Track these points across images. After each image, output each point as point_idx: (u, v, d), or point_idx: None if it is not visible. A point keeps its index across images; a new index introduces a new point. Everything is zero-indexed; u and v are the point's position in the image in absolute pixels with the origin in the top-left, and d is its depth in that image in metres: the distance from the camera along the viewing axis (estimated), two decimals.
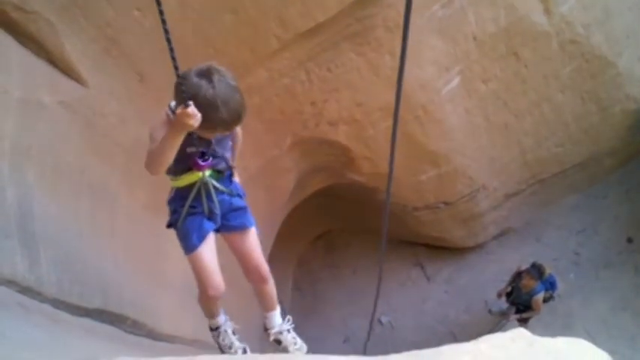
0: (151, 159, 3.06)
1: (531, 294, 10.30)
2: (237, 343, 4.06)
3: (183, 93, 2.69)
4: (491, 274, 13.72)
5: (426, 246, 14.79)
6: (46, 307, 4.41)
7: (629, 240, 12.61)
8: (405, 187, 10.80)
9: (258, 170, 8.45)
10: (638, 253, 12.32)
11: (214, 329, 4.03)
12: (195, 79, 2.78)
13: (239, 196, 3.67)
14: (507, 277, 12.13)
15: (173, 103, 3.03)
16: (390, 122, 8.68)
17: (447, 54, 8.58)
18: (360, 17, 7.40)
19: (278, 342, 4.05)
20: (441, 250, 14.45)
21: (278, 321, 4.04)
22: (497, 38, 8.84)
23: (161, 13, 2.27)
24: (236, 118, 3.04)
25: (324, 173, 10.60)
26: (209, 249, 3.48)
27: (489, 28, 8.66)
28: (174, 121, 2.77)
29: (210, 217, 3.51)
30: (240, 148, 3.75)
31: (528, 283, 10.25)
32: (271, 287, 3.89)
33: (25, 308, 4.05)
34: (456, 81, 9.01)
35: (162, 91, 6.19)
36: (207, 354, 4.64)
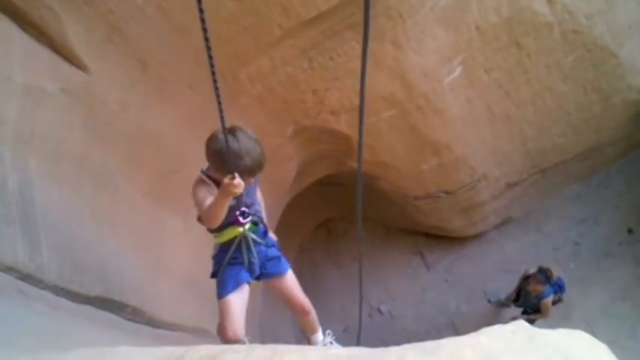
0: (209, 218, 3.50)
1: (540, 297, 10.29)
2: None
3: (210, 158, 3.36)
4: (491, 263, 13.74)
5: (426, 235, 14.80)
6: (47, 294, 4.42)
7: (630, 231, 12.63)
8: (406, 176, 10.81)
9: None
10: (639, 243, 12.34)
11: None
12: (222, 136, 3.04)
13: (274, 246, 4.22)
14: (507, 267, 12.18)
15: (205, 167, 3.66)
16: (392, 111, 8.70)
17: (450, 43, 8.55)
18: (363, 6, 7.38)
19: None
20: (442, 239, 14.46)
21: (321, 337, 4.62)
22: (499, 28, 8.81)
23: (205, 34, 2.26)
24: (258, 165, 3.59)
25: (325, 162, 10.61)
26: (240, 298, 3.89)
27: (492, 17, 8.63)
28: (222, 189, 3.19)
29: (249, 267, 3.99)
30: (266, 207, 4.35)
31: (536, 287, 10.24)
32: (313, 316, 4.42)
33: (26, 295, 4.06)
34: (458, 70, 9.00)
35: (164, 79, 6.19)
36: (208, 342, 4.71)
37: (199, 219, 3.78)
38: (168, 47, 5.90)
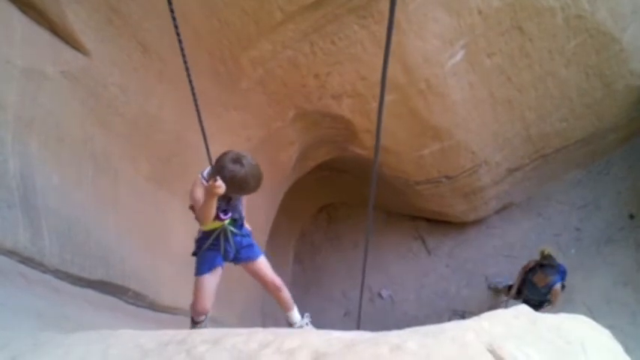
0: (200, 216, 4.15)
1: (550, 286, 10.27)
2: None
3: (218, 173, 3.79)
4: (492, 248, 13.75)
5: (427, 220, 14.79)
6: (48, 278, 4.44)
7: (631, 216, 12.59)
8: (408, 161, 10.79)
9: (261, 142, 8.44)
10: None
11: (195, 323, 4.82)
12: (231, 165, 3.89)
13: (248, 235, 4.75)
14: (508, 252, 12.18)
15: (205, 172, 4.12)
16: (393, 96, 8.68)
17: (452, 27, 8.51)
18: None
19: None
20: (442, 224, 14.45)
21: (298, 317, 5.07)
22: (502, 12, 8.76)
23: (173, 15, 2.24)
24: (259, 185, 4.15)
25: (326, 146, 10.60)
26: (212, 278, 4.56)
27: (494, 2, 8.57)
28: (207, 190, 3.82)
29: (224, 253, 4.56)
30: (246, 205, 4.80)
31: (546, 279, 10.20)
32: (286, 293, 4.91)
33: (27, 278, 4.08)
34: (460, 55, 8.96)
35: (164, 62, 6.16)
36: (210, 326, 4.78)
37: (191, 207, 4.32)
38: (168, 30, 5.86)
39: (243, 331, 2.07)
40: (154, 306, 6.25)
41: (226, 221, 4.44)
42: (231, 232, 4.54)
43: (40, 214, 4.44)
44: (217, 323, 5.17)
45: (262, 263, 4.80)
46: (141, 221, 6.34)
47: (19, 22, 4.59)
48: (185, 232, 6.87)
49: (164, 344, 2.05)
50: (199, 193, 4.09)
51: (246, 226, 4.81)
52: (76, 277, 4.82)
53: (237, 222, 4.60)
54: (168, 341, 2.08)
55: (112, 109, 5.66)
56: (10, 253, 4.00)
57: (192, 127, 6.65)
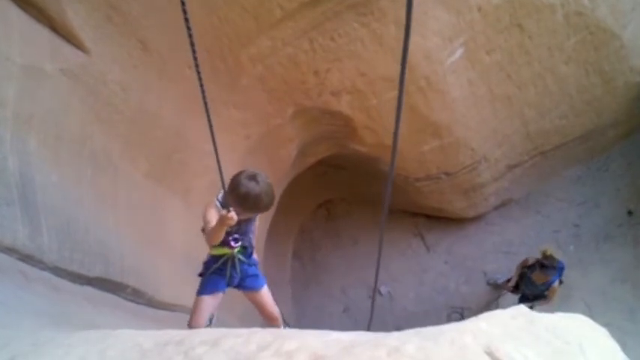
0: (209, 238, 4.19)
1: (549, 284, 10.23)
2: None
3: (233, 190, 3.99)
4: (491, 245, 13.74)
5: (427, 216, 14.78)
6: (47, 275, 4.44)
7: (630, 213, 12.60)
8: (407, 157, 10.78)
9: (260, 138, 8.44)
10: (639, 225, 12.33)
11: None
12: (246, 182, 4.01)
13: (255, 265, 4.88)
14: (507, 248, 12.17)
15: (220, 195, 4.28)
16: (393, 93, 8.66)
17: (451, 25, 8.51)
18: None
19: None
20: (442, 220, 14.44)
21: None
22: (501, 9, 8.76)
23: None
24: (272, 203, 4.31)
25: (326, 143, 10.59)
26: (211, 301, 4.65)
27: None
28: (220, 218, 3.91)
29: (229, 280, 4.68)
30: (257, 235, 4.96)
31: (545, 277, 10.16)
32: (280, 323, 5.13)
33: (26, 276, 4.08)
34: (459, 52, 8.96)
35: (164, 59, 6.16)
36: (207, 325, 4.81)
37: (203, 230, 4.34)
38: (168, 27, 5.88)
39: (242, 332, 2.08)
40: (152, 303, 6.26)
41: (236, 249, 4.53)
42: (239, 260, 4.66)
43: (39, 212, 4.44)
44: (218, 322, 5.17)
45: (264, 294, 4.94)
46: (140, 218, 6.35)
47: (17, 19, 4.59)
48: (184, 229, 6.90)
49: (163, 344, 2.06)
50: (211, 215, 4.23)
51: (255, 256, 4.92)
52: (75, 274, 4.83)
53: (246, 250, 4.72)
54: (167, 341, 2.08)
55: (111, 106, 5.66)
56: (10, 251, 4.01)
57: (192, 124, 6.68)
